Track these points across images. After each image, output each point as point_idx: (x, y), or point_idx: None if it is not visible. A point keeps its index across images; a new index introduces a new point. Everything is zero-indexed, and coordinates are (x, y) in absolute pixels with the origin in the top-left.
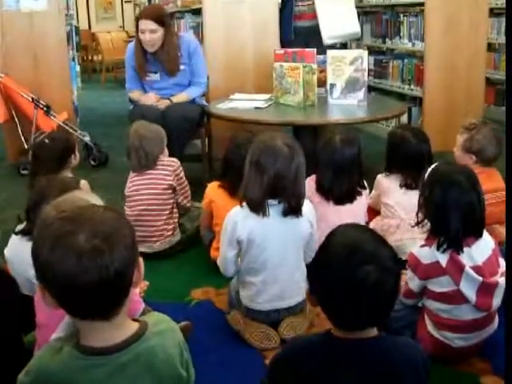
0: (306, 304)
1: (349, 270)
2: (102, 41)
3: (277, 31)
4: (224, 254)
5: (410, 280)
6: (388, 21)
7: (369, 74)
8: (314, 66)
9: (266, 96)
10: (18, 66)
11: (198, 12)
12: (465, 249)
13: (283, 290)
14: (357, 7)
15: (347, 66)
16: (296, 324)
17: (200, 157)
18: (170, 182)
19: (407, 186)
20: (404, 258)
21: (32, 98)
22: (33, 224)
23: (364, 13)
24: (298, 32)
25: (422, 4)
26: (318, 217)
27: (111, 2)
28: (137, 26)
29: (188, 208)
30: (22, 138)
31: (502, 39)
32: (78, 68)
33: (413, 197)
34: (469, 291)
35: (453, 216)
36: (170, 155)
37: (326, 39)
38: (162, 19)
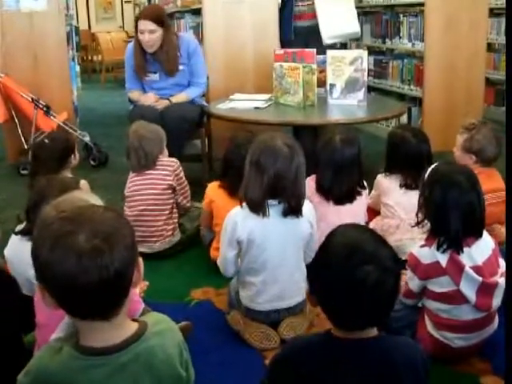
0: (306, 304)
1: (349, 270)
2: (102, 41)
3: (277, 31)
4: (224, 255)
5: (409, 280)
6: (388, 21)
7: (369, 74)
8: (314, 66)
9: (266, 96)
10: (17, 66)
11: (197, 12)
12: (465, 249)
13: (283, 291)
14: (357, 7)
15: (347, 66)
16: (296, 324)
17: (200, 157)
18: (170, 182)
19: (407, 186)
20: (404, 258)
21: (32, 98)
22: (33, 224)
23: (364, 13)
24: (298, 32)
25: (421, 4)
26: (318, 217)
27: (111, 2)
28: (136, 27)
29: (188, 208)
30: (22, 138)
31: (502, 39)
32: (77, 68)
33: (413, 197)
34: (469, 291)
35: (453, 216)
36: (169, 155)
37: (326, 39)
38: (161, 19)
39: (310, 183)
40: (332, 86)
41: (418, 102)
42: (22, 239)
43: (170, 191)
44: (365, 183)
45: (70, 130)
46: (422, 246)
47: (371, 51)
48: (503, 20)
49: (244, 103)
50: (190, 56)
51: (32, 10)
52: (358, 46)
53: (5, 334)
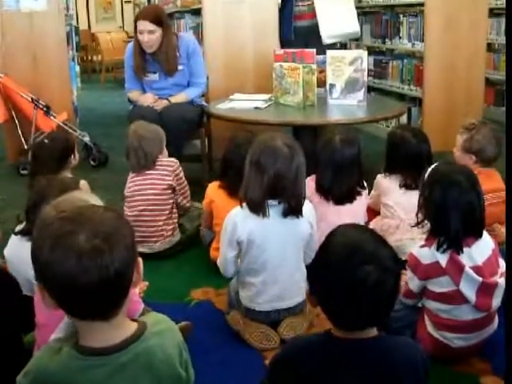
0: (306, 304)
1: (349, 270)
2: (102, 41)
3: (277, 31)
4: (224, 255)
5: (409, 280)
6: (388, 21)
7: (368, 75)
8: (314, 67)
9: (266, 96)
10: (17, 66)
11: (197, 12)
12: (465, 249)
13: (283, 291)
14: (356, 7)
15: (347, 67)
16: (296, 324)
17: (200, 157)
18: (170, 182)
19: (407, 186)
20: (404, 258)
21: (32, 98)
22: (32, 224)
23: (364, 13)
24: (298, 32)
25: (421, 4)
26: (318, 217)
27: (111, 2)
28: (135, 27)
29: (187, 208)
30: (22, 138)
31: (502, 39)
32: (77, 68)
33: (412, 197)
34: (468, 291)
35: (453, 216)
36: (169, 155)
37: (326, 38)
38: (161, 20)
39: (310, 183)
40: (332, 86)
41: (417, 102)
42: (21, 239)
43: (169, 191)
44: (365, 183)
45: (70, 130)
46: (422, 246)
47: (371, 51)
48: (503, 20)
49: (244, 103)
50: (189, 56)
51: (32, 9)
52: (357, 46)
53: (5, 334)
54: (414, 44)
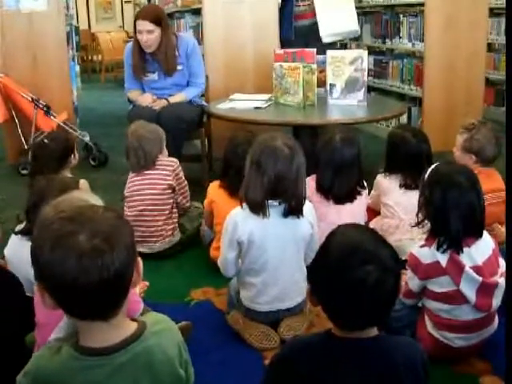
0: (306, 304)
1: (349, 270)
2: (102, 41)
3: (277, 31)
4: (225, 255)
5: (409, 280)
6: (388, 21)
7: (369, 74)
8: (314, 66)
9: (266, 96)
10: (17, 66)
11: (197, 12)
12: (465, 249)
13: (283, 291)
14: (357, 7)
15: (347, 66)
16: (295, 324)
17: (200, 157)
18: (170, 182)
19: (407, 186)
20: (404, 258)
21: (32, 98)
22: (32, 224)
23: (364, 13)
24: (298, 32)
25: (421, 4)
26: (318, 217)
27: (111, 2)
28: (134, 27)
29: (187, 208)
30: (22, 138)
31: (502, 39)
32: (77, 68)
33: (412, 197)
34: (469, 291)
35: (453, 216)
36: (169, 155)
37: (325, 37)
38: (160, 19)
39: (310, 183)
40: (332, 85)
41: (417, 101)
42: (21, 239)
43: (169, 191)
44: (365, 183)
45: (70, 130)
46: (422, 246)
47: (371, 51)
48: (503, 20)
49: (244, 103)
50: (188, 56)
51: (32, 10)
52: (358, 45)
53: (7, 333)
54: (414, 44)
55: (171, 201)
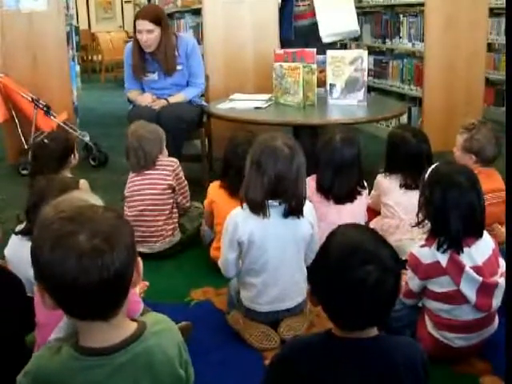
0: (306, 304)
1: (349, 270)
2: (102, 41)
3: (277, 31)
4: (225, 256)
5: (410, 280)
6: (388, 21)
7: (369, 74)
8: (314, 66)
9: (266, 96)
10: (17, 66)
11: (197, 12)
12: (465, 249)
13: (284, 292)
14: (356, 7)
15: (347, 66)
16: (296, 324)
17: (200, 157)
18: (170, 182)
19: (407, 186)
20: (404, 258)
21: (32, 98)
22: (32, 224)
23: (364, 13)
24: (298, 32)
25: (421, 4)
26: (318, 217)
27: (111, 2)
28: (134, 26)
29: (187, 208)
30: (22, 138)
31: (502, 39)
32: (77, 68)
33: (413, 197)
34: (469, 291)
35: (453, 216)
36: (169, 155)
37: (324, 37)
38: (159, 19)
39: (311, 183)
40: (332, 86)
41: (417, 101)
42: (22, 239)
43: (169, 191)
44: (365, 183)
45: (70, 130)
46: (422, 246)
47: (371, 51)
48: (503, 20)
49: (244, 103)
50: (188, 56)
51: (32, 10)
52: (358, 45)
53: (7, 333)
54: (414, 44)
55: (171, 201)
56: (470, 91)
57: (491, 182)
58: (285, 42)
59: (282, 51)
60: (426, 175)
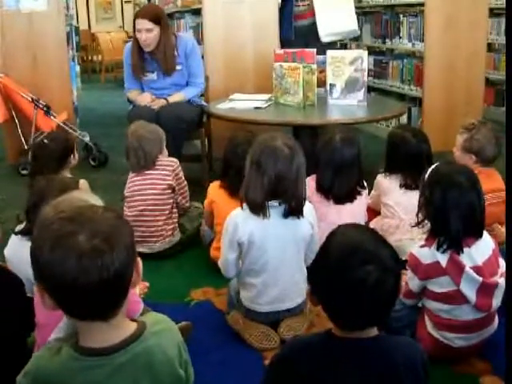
0: (306, 304)
1: (349, 270)
2: (102, 41)
3: (277, 31)
4: (225, 256)
5: (410, 280)
6: (388, 21)
7: (369, 74)
8: (314, 66)
9: (266, 96)
10: (17, 66)
11: (197, 12)
12: (465, 249)
13: (284, 292)
14: (356, 7)
15: (347, 66)
16: (296, 325)
17: (200, 157)
18: (170, 182)
19: (407, 186)
20: (404, 258)
21: (32, 98)
22: (32, 224)
23: (364, 13)
24: (298, 32)
25: (421, 4)
26: (318, 217)
27: (111, 2)
28: (134, 25)
29: (187, 208)
30: (22, 138)
31: (502, 39)
32: (77, 68)
33: (413, 197)
34: (469, 291)
35: (453, 216)
36: (168, 155)
37: (323, 37)
38: (159, 18)
39: (310, 183)
40: (332, 85)
41: (417, 101)
42: (21, 239)
43: (169, 191)
44: (365, 183)
45: (70, 130)
46: (422, 246)
47: (371, 51)
48: (503, 20)
49: (244, 103)
50: (187, 56)
51: (32, 10)
52: (357, 46)
53: (7, 333)
54: (414, 44)
55: (171, 201)
56: (470, 91)
57: (491, 182)
58: (285, 42)
59: (281, 51)
60: (426, 175)
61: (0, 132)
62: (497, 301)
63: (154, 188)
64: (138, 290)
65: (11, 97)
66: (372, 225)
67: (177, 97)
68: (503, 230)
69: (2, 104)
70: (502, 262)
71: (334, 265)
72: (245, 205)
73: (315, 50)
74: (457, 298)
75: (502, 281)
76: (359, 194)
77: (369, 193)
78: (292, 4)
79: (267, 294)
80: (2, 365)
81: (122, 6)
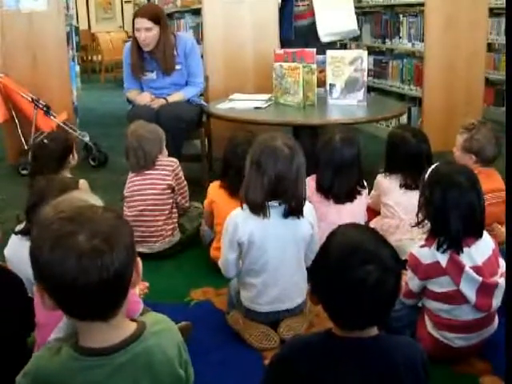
0: (306, 305)
1: (349, 270)
2: (102, 41)
3: (277, 31)
4: (225, 256)
5: (410, 280)
6: (388, 21)
7: (368, 74)
8: (314, 66)
9: (266, 96)
10: (17, 66)
11: (197, 12)
12: (465, 249)
13: (284, 292)
14: (356, 7)
15: (347, 66)
16: (295, 324)
17: (200, 157)
18: (169, 182)
19: (407, 186)
20: (404, 258)
21: (32, 98)
22: (32, 224)
23: (363, 13)
24: (298, 31)
25: (421, 4)
26: (318, 217)
27: (111, 2)
28: (133, 25)
29: (186, 208)
30: (22, 138)
31: (502, 39)
32: (77, 68)
33: (412, 197)
34: (468, 291)
35: (453, 216)
36: (168, 155)
37: (323, 36)
38: (158, 18)
39: (310, 183)
40: (332, 85)
41: (417, 101)
42: (21, 239)
43: (169, 191)
44: (365, 183)
45: (70, 130)
46: (422, 246)
47: (371, 51)
48: (503, 20)
49: (244, 103)
50: (186, 55)
51: (32, 10)
52: (357, 45)
53: (7, 333)
54: (414, 44)
55: (171, 201)
56: (470, 91)
57: (491, 181)
58: (285, 42)
59: (281, 51)
60: (426, 175)
61: (0, 132)
62: (497, 301)
63: (153, 188)
64: (137, 290)
65: (11, 97)
66: (372, 225)
67: (176, 96)
68: (503, 229)
69: (2, 104)
70: (502, 262)
71: (334, 265)
72: (245, 205)
73: (315, 49)
74: (457, 297)
75: (501, 281)
76: (359, 193)
77: (369, 193)
78: (292, 4)
79: (267, 294)
80: (1, 365)
81: (122, 6)
